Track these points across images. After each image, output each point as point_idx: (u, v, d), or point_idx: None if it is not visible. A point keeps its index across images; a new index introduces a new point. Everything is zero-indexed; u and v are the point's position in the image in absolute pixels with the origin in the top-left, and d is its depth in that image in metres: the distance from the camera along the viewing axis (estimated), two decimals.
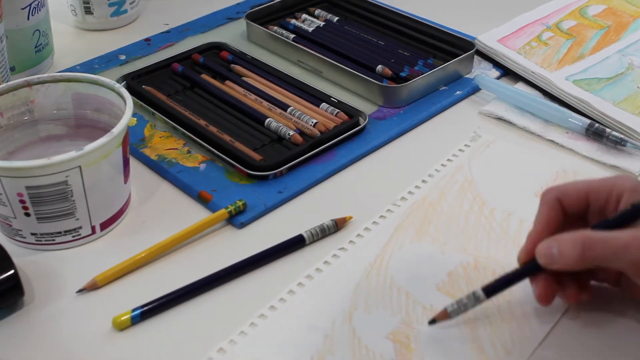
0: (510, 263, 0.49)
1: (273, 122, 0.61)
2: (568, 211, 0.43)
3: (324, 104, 0.64)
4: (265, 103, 0.65)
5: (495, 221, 0.53)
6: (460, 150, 0.61)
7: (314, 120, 0.61)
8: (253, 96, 0.65)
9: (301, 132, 0.61)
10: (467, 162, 0.59)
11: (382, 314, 0.46)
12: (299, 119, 0.62)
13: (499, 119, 0.65)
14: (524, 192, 0.56)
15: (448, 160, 0.59)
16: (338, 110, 0.63)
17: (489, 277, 0.48)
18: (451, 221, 0.53)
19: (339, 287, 0.48)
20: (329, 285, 0.48)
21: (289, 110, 0.63)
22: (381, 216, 0.54)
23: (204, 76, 0.68)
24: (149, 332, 0.45)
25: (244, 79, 0.68)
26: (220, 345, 0.44)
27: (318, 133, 0.61)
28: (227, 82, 0.68)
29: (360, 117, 0.63)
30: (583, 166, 0.59)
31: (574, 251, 0.40)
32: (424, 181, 0.57)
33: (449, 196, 0.55)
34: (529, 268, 0.43)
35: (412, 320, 0.45)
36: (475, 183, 0.57)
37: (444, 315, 0.44)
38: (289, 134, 0.60)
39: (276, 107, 0.64)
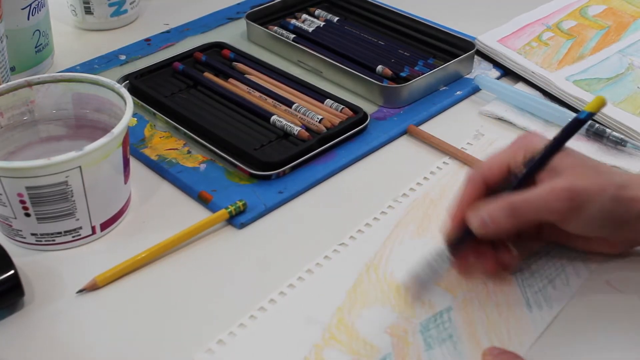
0: None
1: (279, 119, 0.61)
2: (491, 185, 0.46)
3: (328, 100, 0.64)
4: (269, 100, 0.65)
5: None
6: (462, 148, 0.61)
7: (320, 117, 0.61)
8: (257, 93, 0.65)
9: (307, 128, 0.61)
10: (469, 160, 0.59)
11: (381, 309, 0.46)
12: (305, 115, 0.62)
13: (499, 119, 0.65)
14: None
15: (450, 158, 0.59)
16: (343, 106, 0.63)
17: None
18: None
19: (339, 281, 0.48)
20: (328, 279, 0.48)
21: (294, 106, 0.63)
22: (382, 212, 0.54)
23: (207, 74, 0.68)
24: (148, 332, 0.45)
25: (247, 76, 0.68)
26: (219, 337, 0.44)
27: (324, 129, 0.61)
28: (230, 79, 0.68)
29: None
30: None
31: (504, 216, 0.43)
32: (425, 178, 0.57)
33: (451, 193, 0.55)
34: (463, 236, 0.45)
35: (410, 315, 0.46)
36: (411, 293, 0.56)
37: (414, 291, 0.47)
38: (295, 130, 0.60)
39: (281, 104, 0.64)
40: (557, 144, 0.45)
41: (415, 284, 0.47)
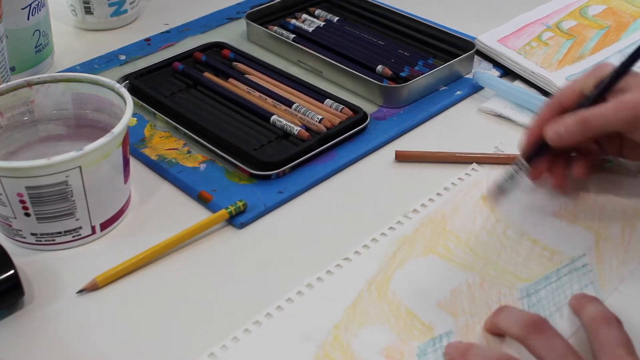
0: (516, 285, 0.48)
1: (279, 118, 0.61)
2: (566, 107, 0.52)
3: (328, 100, 0.64)
4: (269, 100, 0.65)
5: (507, 240, 0.51)
6: (478, 163, 0.59)
7: (320, 116, 0.61)
8: (257, 93, 0.65)
9: (307, 128, 0.61)
10: (486, 178, 0.57)
11: (379, 329, 0.45)
12: (305, 115, 0.62)
13: (498, 116, 0.65)
14: (540, 212, 0.54)
15: (466, 174, 0.58)
16: (342, 106, 0.63)
17: (493, 297, 0.47)
18: (462, 237, 0.52)
19: (338, 297, 0.47)
20: (328, 295, 0.47)
21: (294, 106, 0.63)
22: (390, 227, 0.52)
23: (207, 74, 0.68)
24: (148, 332, 0.45)
25: (247, 76, 0.68)
26: (211, 350, 0.43)
27: (324, 129, 0.61)
28: (230, 79, 0.68)
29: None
30: None
31: (577, 127, 0.49)
32: (438, 194, 0.56)
33: (463, 212, 0.54)
34: (539, 149, 0.52)
35: (408, 337, 0.44)
36: (491, 200, 0.55)
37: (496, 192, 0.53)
38: (295, 130, 0.60)
39: (281, 104, 0.64)
40: (624, 68, 0.50)
41: (496, 191, 0.53)
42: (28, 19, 0.68)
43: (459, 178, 0.57)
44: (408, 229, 0.52)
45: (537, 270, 0.49)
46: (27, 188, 0.47)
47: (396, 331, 0.44)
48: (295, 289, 0.47)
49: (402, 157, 0.60)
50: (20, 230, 0.50)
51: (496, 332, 0.44)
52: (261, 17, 0.78)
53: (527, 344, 0.41)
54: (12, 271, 0.45)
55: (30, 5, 0.67)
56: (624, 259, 0.50)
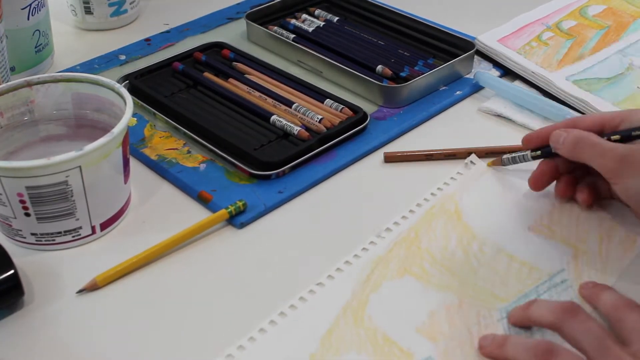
0: (496, 305, 0.47)
1: (278, 118, 0.61)
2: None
3: (328, 99, 0.64)
4: (269, 100, 0.65)
5: (484, 257, 0.50)
6: (452, 178, 0.57)
7: (320, 116, 0.62)
8: (257, 93, 0.65)
9: (307, 128, 0.61)
10: (459, 192, 0.56)
11: (355, 357, 0.43)
12: (305, 115, 0.62)
13: (498, 116, 0.65)
14: (516, 227, 0.53)
15: (438, 188, 0.56)
16: (342, 106, 0.64)
17: (473, 319, 0.45)
18: (437, 256, 0.50)
19: (313, 325, 0.45)
20: (302, 323, 0.45)
21: (293, 106, 0.63)
22: (363, 249, 0.51)
23: (207, 74, 0.69)
24: (147, 332, 0.45)
25: (247, 76, 0.68)
26: None
27: (324, 129, 0.61)
28: (230, 79, 0.68)
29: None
30: None
31: (570, 143, 0.50)
32: (411, 211, 0.54)
33: (437, 229, 0.52)
34: (544, 152, 0.53)
35: None
36: (465, 215, 0.53)
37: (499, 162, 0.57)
38: (295, 130, 0.60)
39: (281, 104, 0.64)
40: None
41: (498, 160, 0.57)
42: (28, 19, 0.68)
43: (432, 193, 0.56)
44: (382, 249, 0.51)
45: (516, 288, 0.48)
46: (27, 188, 0.47)
47: (374, 359, 0.43)
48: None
49: (391, 159, 0.60)
50: (20, 230, 0.50)
51: (525, 324, 0.45)
52: (261, 17, 0.78)
53: (561, 329, 0.42)
54: (12, 271, 0.45)
55: (30, 5, 0.67)
56: (603, 272, 0.49)
